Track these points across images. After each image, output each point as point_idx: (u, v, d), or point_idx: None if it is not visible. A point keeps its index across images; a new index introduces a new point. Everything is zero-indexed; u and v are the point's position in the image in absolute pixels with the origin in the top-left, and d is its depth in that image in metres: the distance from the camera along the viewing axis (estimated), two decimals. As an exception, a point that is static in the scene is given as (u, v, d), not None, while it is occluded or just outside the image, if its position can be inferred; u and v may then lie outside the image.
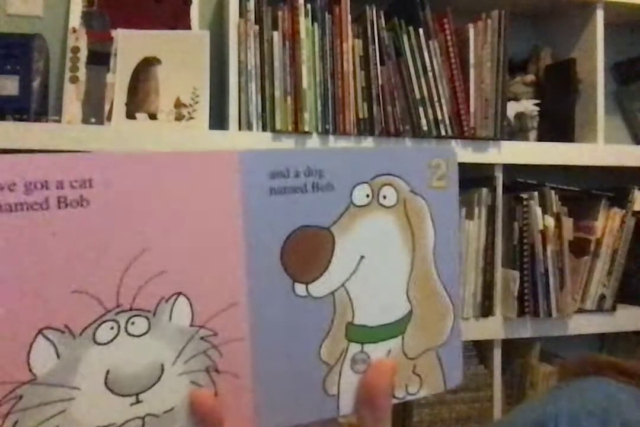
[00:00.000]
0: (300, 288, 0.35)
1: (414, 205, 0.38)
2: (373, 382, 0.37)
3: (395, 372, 0.38)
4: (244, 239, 0.34)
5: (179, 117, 1.20)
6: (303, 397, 0.36)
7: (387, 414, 0.37)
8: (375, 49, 1.18)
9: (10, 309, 0.29)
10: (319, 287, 0.36)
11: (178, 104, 1.20)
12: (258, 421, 0.35)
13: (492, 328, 1.26)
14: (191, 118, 1.19)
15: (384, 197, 0.37)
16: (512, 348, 1.35)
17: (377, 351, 0.38)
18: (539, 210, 1.26)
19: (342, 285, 0.36)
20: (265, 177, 0.34)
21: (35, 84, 1.14)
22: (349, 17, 1.17)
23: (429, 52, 1.20)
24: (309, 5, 1.16)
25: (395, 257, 0.38)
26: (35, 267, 0.29)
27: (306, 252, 0.35)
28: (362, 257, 0.37)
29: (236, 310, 0.34)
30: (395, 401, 0.39)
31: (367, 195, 0.37)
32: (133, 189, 0.31)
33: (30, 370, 0.30)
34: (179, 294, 0.32)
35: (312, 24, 1.16)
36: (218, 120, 1.23)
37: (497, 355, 1.29)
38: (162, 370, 0.32)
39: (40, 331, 0.30)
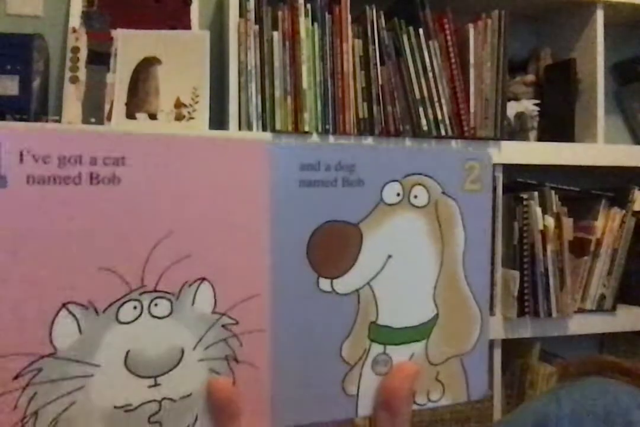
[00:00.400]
0: (324, 283, 0.35)
1: (446, 207, 0.37)
2: (394, 385, 0.36)
3: (417, 377, 0.37)
4: (270, 229, 0.33)
5: (179, 117, 1.19)
6: (321, 394, 0.35)
7: (406, 419, 0.36)
8: (375, 49, 1.18)
9: (36, 281, 0.29)
10: (343, 284, 0.35)
11: (178, 104, 1.20)
12: (274, 414, 0.34)
13: (492, 328, 1.26)
14: (191, 118, 1.19)
15: (415, 196, 0.36)
16: (512, 348, 1.34)
17: (399, 354, 0.37)
18: (539, 210, 1.26)
19: (368, 283, 0.36)
20: (296, 168, 0.34)
21: (35, 84, 1.14)
22: (349, 17, 1.17)
23: (429, 52, 1.20)
24: (309, 5, 1.16)
25: (423, 259, 0.37)
26: (63, 241, 0.29)
27: (333, 247, 0.35)
28: (390, 256, 0.36)
29: (259, 301, 0.33)
30: (416, 407, 0.38)
31: (398, 194, 0.36)
32: (165, 170, 0.31)
33: (51, 343, 0.30)
34: (203, 279, 0.32)
35: (312, 24, 1.16)
36: (218, 120, 1.23)
37: (497, 355, 1.29)
38: (182, 354, 0.32)
39: (64, 305, 0.30)
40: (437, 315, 0.38)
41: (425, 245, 0.37)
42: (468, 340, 0.39)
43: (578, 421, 0.50)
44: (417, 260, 0.37)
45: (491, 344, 1.29)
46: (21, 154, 0.28)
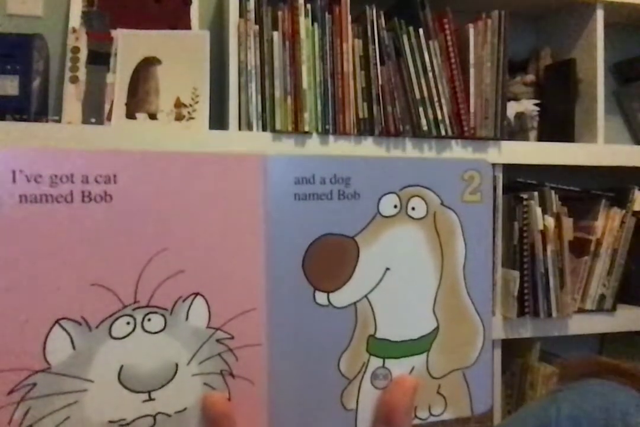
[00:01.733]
0: (321, 297, 0.35)
1: (445, 219, 0.37)
2: (394, 400, 0.35)
3: (417, 391, 0.36)
4: (265, 243, 0.33)
5: (179, 117, 1.19)
6: (320, 409, 0.35)
7: None
8: (375, 49, 1.18)
9: (29, 297, 0.29)
10: (340, 297, 0.35)
11: (178, 104, 1.20)
12: None
13: (492, 328, 1.26)
14: (191, 118, 1.19)
15: (413, 208, 0.36)
16: (512, 348, 1.35)
17: (399, 367, 0.37)
18: (539, 210, 1.26)
19: (365, 296, 0.36)
20: (291, 182, 0.34)
21: (35, 84, 1.14)
22: (349, 17, 1.17)
23: (429, 52, 1.20)
24: (309, 5, 1.16)
25: (422, 271, 0.37)
26: (56, 258, 0.30)
27: (329, 261, 0.35)
28: (387, 269, 0.36)
29: (254, 315, 0.33)
30: (417, 421, 0.37)
31: (395, 206, 0.36)
32: (156, 187, 0.31)
33: (45, 359, 0.30)
34: (197, 294, 0.32)
35: (312, 24, 1.16)
36: (218, 120, 1.23)
37: (497, 355, 1.29)
38: (176, 369, 0.32)
39: (57, 321, 0.30)
40: (437, 328, 0.38)
41: (424, 257, 0.37)
42: (470, 353, 0.39)
43: (578, 424, 0.50)
44: (416, 272, 0.37)
45: (491, 344, 1.29)
46: (14, 174, 0.29)
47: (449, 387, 0.38)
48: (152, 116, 1.19)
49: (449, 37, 1.22)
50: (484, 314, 0.39)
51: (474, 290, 0.38)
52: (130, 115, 1.19)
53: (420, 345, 0.37)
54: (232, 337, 0.33)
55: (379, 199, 0.36)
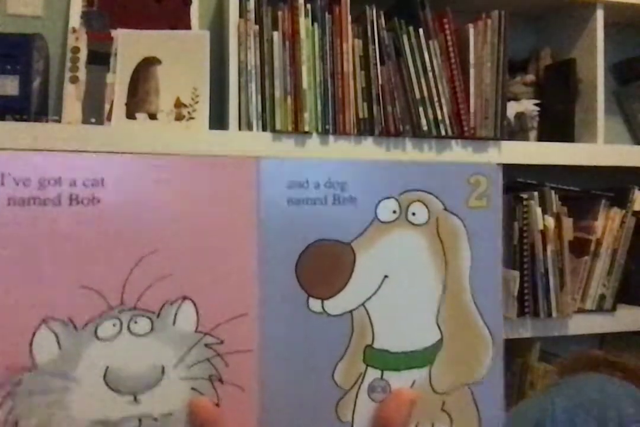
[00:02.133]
0: (315, 304, 0.34)
1: (448, 225, 0.36)
2: (389, 413, 0.34)
3: (415, 404, 0.34)
4: (258, 248, 0.33)
5: (179, 117, 1.19)
6: (313, 420, 0.34)
7: None
8: (375, 49, 1.18)
9: (17, 297, 0.30)
10: (335, 305, 0.34)
11: (178, 104, 1.20)
12: None
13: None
14: (191, 118, 1.19)
15: (413, 214, 0.35)
16: (512, 348, 1.34)
17: (399, 380, 0.35)
18: (539, 210, 1.26)
19: (362, 305, 0.34)
20: (284, 186, 0.33)
21: (35, 84, 1.14)
22: (349, 17, 1.17)
23: (429, 52, 1.20)
24: (309, 5, 1.16)
25: (424, 279, 0.35)
26: (43, 260, 0.30)
27: (324, 267, 0.34)
28: (386, 276, 0.35)
29: (245, 320, 0.33)
30: None
31: (394, 211, 0.35)
32: (145, 191, 0.31)
33: (31, 357, 0.30)
34: (185, 298, 0.32)
35: (312, 24, 1.16)
36: (218, 120, 1.23)
37: (497, 355, 1.29)
38: (163, 372, 0.32)
39: (44, 321, 0.30)
40: (441, 339, 0.36)
41: (426, 264, 0.35)
42: (478, 367, 0.37)
43: (573, 417, 0.50)
44: (417, 280, 0.35)
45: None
46: (2, 177, 0.29)
47: (455, 403, 0.36)
48: (152, 116, 1.19)
49: (449, 37, 1.22)
50: (493, 325, 0.38)
51: (482, 299, 0.37)
52: (130, 115, 1.19)
53: (422, 357, 0.36)
54: (222, 342, 0.33)
55: (377, 204, 0.35)
